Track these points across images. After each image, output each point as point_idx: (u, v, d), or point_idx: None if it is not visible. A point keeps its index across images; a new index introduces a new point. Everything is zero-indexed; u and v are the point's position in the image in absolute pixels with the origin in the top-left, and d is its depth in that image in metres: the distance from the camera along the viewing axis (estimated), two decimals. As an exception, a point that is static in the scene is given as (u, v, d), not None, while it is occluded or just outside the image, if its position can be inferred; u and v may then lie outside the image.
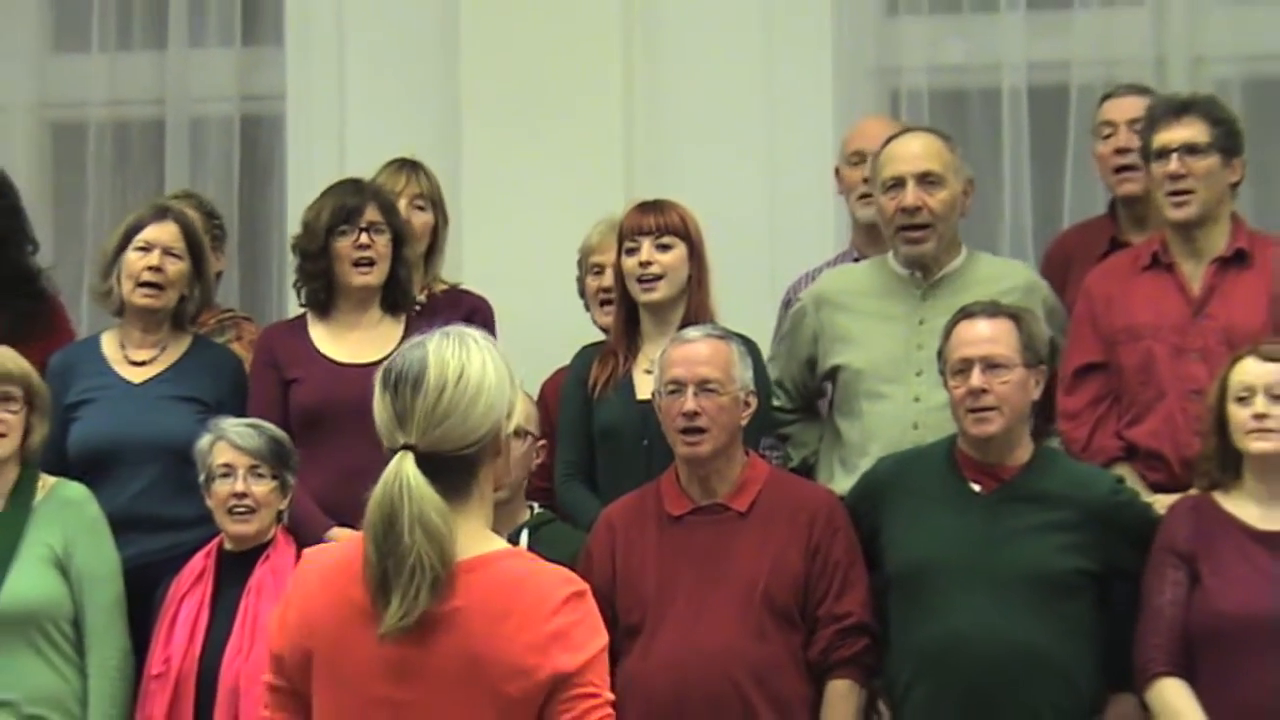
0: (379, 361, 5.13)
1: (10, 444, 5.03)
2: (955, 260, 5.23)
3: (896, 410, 5.04)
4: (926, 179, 5.16)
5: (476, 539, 3.19)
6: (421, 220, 5.64)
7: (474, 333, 3.25)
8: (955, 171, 5.23)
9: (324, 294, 5.35)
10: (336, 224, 5.30)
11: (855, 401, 5.16)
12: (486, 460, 3.21)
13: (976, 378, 4.72)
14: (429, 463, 3.14)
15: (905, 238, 5.18)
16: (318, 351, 5.30)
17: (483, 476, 3.22)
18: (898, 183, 5.16)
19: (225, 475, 4.95)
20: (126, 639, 5.03)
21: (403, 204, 5.56)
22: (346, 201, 5.33)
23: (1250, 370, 4.66)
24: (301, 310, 5.43)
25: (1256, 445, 4.64)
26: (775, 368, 5.33)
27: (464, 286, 5.73)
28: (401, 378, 3.20)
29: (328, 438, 5.11)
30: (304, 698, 3.27)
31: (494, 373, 3.19)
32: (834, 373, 5.22)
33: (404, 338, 5.05)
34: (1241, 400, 4.65)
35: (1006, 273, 5.28)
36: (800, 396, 5.34)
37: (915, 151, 5.21)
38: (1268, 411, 4.63)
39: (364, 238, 5.28)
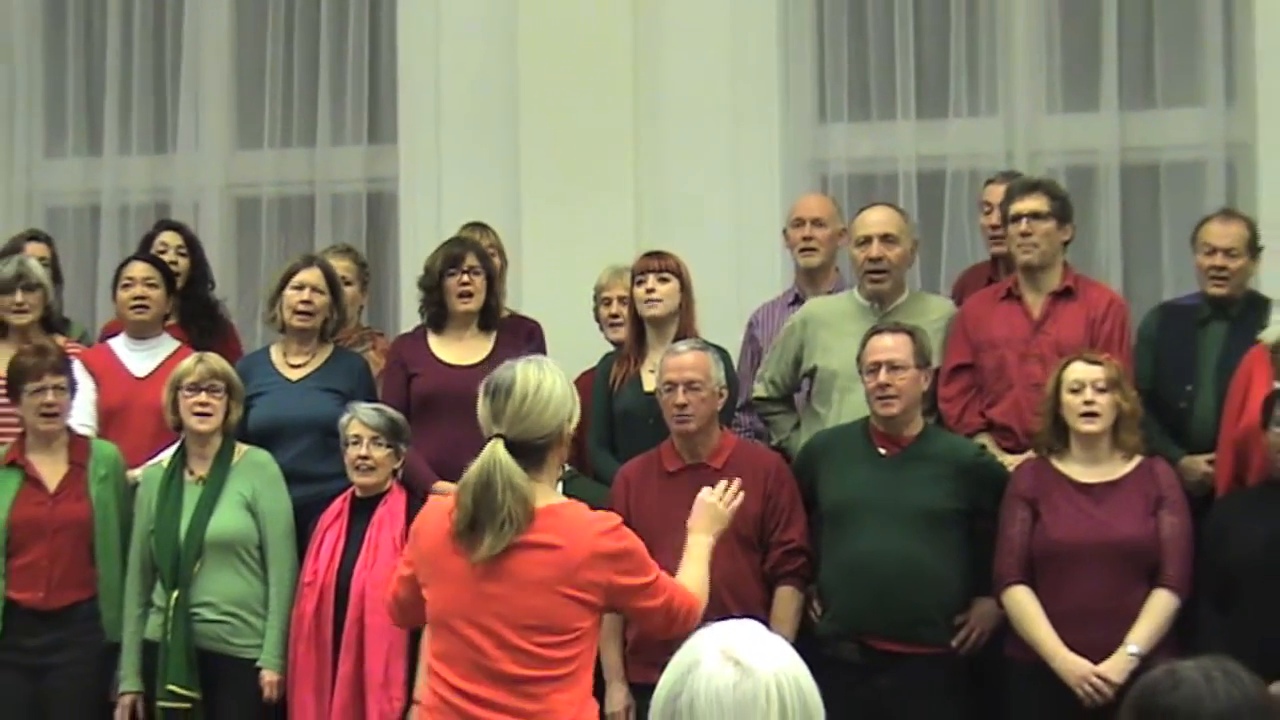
0: (475, 364, 5.27)
1: (216, 421, 5.07)
2: (901, 296, 5.22)
3: (859, 400, 4.97)
4: (887, 238, 5.15)
5: (548, 496, 3.39)
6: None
7: (548, 361, 3.43)
8: (907, 235, 5.24)
9: (438, 316, 5.36)
10: (447, 267, 5.31)
11: (830, 393, 5.12)
12: (555, 446, 3.38)
13: (883, 374, 4.76)
14: (515, 447, 3.32)
15: (870, 279, 5.18)
16: (433, 355, 5.30)
17: (551, 457, 3.39)
18: (867, 240, 5.16)
19: (355, 442, 4.97)
20: (295, 558, 5.06)
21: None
22: (453, 252, 5.34)
23: (1080, 370, 4.67)
24: (420, 325, 5.44)
25: (1086, 427, 4.65)
26: (769, 368, 5.27)
27: (521, 313, 5.68)
28: (498, 388, 3.37)
29: (438, 417, 5.11)
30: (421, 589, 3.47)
31: (561, 388, 3.37)
32: (813, 371, 5.18)
33: (493, 348, 5.22)
34: (1074, 391, 4.66)
35: (936, 306, 5.29)
36: (784, 388, 5.28)
37: (880, 219, 5.21)
38: (1095, 399, 4.64)
39: (465, 278, 5.29)
